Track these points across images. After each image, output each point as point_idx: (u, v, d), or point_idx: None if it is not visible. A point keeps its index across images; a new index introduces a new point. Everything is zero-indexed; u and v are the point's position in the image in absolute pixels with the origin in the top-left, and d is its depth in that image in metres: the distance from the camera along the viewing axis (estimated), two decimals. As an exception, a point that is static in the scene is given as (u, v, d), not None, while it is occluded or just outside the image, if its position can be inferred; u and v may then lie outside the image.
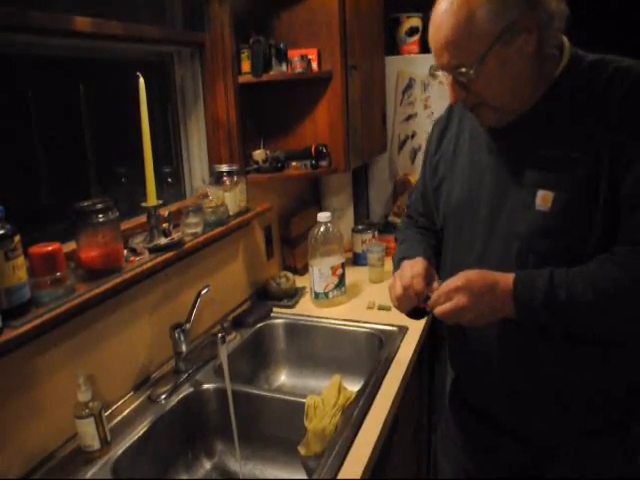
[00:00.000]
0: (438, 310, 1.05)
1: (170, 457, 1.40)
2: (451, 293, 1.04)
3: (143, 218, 1.47)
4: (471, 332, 1.19)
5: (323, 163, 1.99)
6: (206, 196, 1.65)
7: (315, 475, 1.14)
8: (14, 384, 1.12)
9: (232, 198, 1.73)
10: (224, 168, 1.74)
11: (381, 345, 1.67)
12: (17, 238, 1.04)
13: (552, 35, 1.02)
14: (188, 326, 1.49)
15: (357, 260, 2.36)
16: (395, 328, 1.73)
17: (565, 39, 1.07)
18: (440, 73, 1.07)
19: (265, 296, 2.03)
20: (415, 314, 1.21)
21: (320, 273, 1.94)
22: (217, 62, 1.77)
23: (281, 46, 1.89)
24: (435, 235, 1.34)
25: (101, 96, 1.54)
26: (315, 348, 1.84)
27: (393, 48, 2.65)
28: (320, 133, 2.04)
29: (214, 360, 1.57)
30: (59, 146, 1.43)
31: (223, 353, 1.38)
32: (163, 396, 1.41)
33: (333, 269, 1.95)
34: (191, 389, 1.47)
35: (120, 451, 1.23)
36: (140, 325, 1.46)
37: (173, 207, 1.65)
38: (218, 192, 1.68)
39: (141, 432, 1.30)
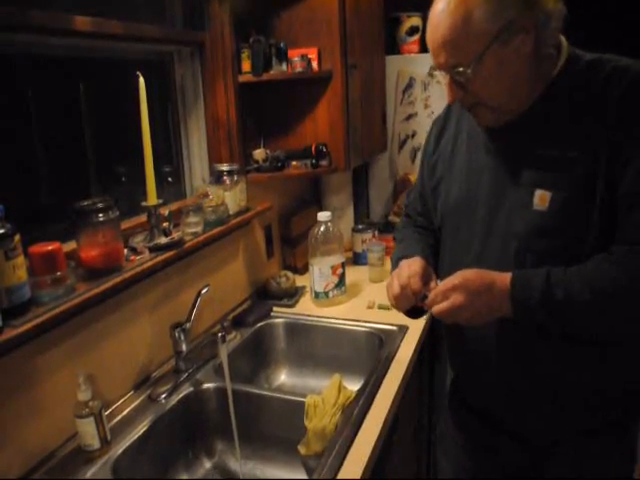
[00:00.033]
0: (435, 309, 1.05)
1: (170, 456, 1.40)
2: (448, 292, 1.04)
3: (143, 217, 1.47)
4: (469, 331, 1.19)
5: (323, 162, 1.99)
6: (206, 195, 1.65)
7: (315, 474, 1.14)
8: (14, 383, 1.12)
9: (232, 197, 1.73)
10: (224, 167, 1.74)
11: (381, 344, 1.67)
12: (17, 237, 1.04)
13: (550, 35, 1.02)
14: (188, 325, 1.49)
15: (357, 259, 2.36)
16: (395, 327, 1.73)
17: (563, 38, 1.07)
18: (438, 73, 1.07)
19: (265, 295, 2.03)
20: (413, 313, 1.21)
21: (320, 272, 1.94)
22: (217, 61, 1.77)
23: (281, 45, 1.89)
24: (433, 234, 1.34)
25: (101, 95, 1.54)
26: (315, 347, 1.84)
27: (393, 47, 2.65)
28: (320, 132, 2.04)
29: (214, 359, 1.57)
30: (59, 145, 1.43)
31: (223, 352, 1.38)
32: (163, 395, 1.41)
33: (333, 268, 1.95)
34: (191, 388, 1.47)
35: (120, 450, 1.23)
36: (140, 324, 1.46)
37: (173, 206, 1.65)
38: (218, 191, 1.68)
39: (141, 431, 1.30)
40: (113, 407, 1.36)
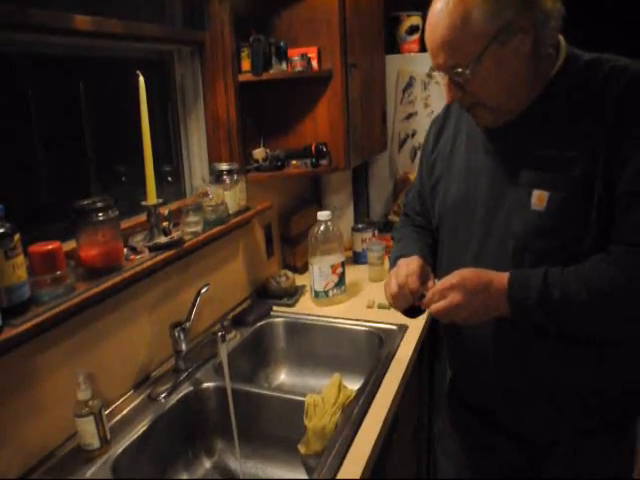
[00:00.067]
0: (432, 308, 1.06)
1: (170, 456, 1.40)
2: (446, 291, 1.04)
3: (143, 217, 1.47)
4: (467, 331, 1.19)
5: (323, 162, 1.99)
6: (206, 195, 1.65)
7: (315, 474, 1.14)
8: (14, 383, 1.12)
9: (232, 197, 1.73)
10: (224, 167, 1.74)
11: (381, 344, 1.67)
12: (17, 237, 1.04)
13: (548, 35, 1.01)
14: (188, 325, 1.49)
15: (357, 259, 2.36)
16: (395, 327, 1.73)
17: (561, 38, 1.07)
18: (437, 73, 1.07)
19: (265, 295, 2.03)
20: (410, 312, 1.21)
21: (320, 272, 1.94)
22: (217, 61, 1.77)
23: (281, 44, 1.89)
24: (431, 234, 1.34)
25: (101, 95, 1.53)
26: (315, 347, 1.84)
27: (393, 47, 2.65)
28: (320, 131, 2.04)
29: (214, 359, 1.57)
30: (59, 145, 1.43)
31: (223, 352, 1.38)
32: (163, 395, 1.41)
33: (333, 268, 1.95)
34: (191, 388, 1.47)
35: (120, 450, 1.23)
36: (140, 324, 1.46)
37: (173, 206, 1.65)
38: (218, 191, 1.68)
39: (141, 431, 1.30)
40: (113, 406, 1.36)
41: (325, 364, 1.81)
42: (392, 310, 1.37)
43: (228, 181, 1.73)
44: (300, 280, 2.13)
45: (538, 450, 1.17)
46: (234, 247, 1.90)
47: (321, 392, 1.39)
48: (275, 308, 1.94)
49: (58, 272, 1.14)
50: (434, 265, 1.28)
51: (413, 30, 2.60)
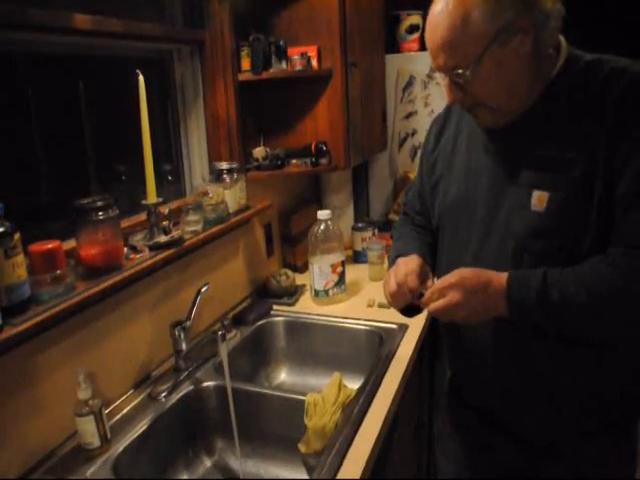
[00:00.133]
0: (431, 307, 1.06)
1: (170, 455, 1.40)
2: (444, 290, 1.04)
3: (143, 216, 1.47)
4: (466, 330, 1.19)
5: (323, 161, 1.99)
6: (206, 194, 1.65)
7: (315, 473, 1.14)
8: (14, 382, 1.12)
9: (232, 196, 1.73)
10: (224, 166, 1.74)
11: (381, 343, 1.67)
12: (17, 236, 1.03)
13: (548, 35, 1.01)
14: (188, 324, 1.49)
15: (357, 258, 2.36)
16: (395, 326, 1.72)
17: (562, 39, 1.07)
18: (437, 74, 1.07)
19: (265, 294, 2.03)
20: (408, 312, 1.21)
21: (320, 271, 1.94)
22: (217, 60, 1.77)
23: (281, 44, 1.89)
24: (431, 233, 1.34)
25: (101, 93, 1.53)
26: (315, 346, 1.84)
27: (393, 46, 2.64)
28: (320, 131, 2.04)
29: (214, 358, 1.57)
30: (59, 143, 1.43)
31: (223, 351, 1.38)
32: (163, 394, 1.41)
33: (333, 267, 1.95)
34: (191, 387, 1.47)
35: (120, 449, 1.23)
36: (140, 323, 1.46)
37: (173, 205, 1.65)
38: (218, 190, 1.68)
39: (141, 430, 1.30)
40: (113, 405, 1.36)
41: (325, 363, 1.81)
42: (392, 309, 1.36)
43: (228, 180, 1.73)
44: (300, 279, 2.13)
45: (537, 451, 1.17)
46: (234, 246, 1.90)
47: (321, 391, 1.39)
48: (275, 307, 1.94)
49: (58, 271, 1.13)
50: (433, 264, 1.28)
51: (413, 29, 2.60)
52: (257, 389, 1.51)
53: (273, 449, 1.46)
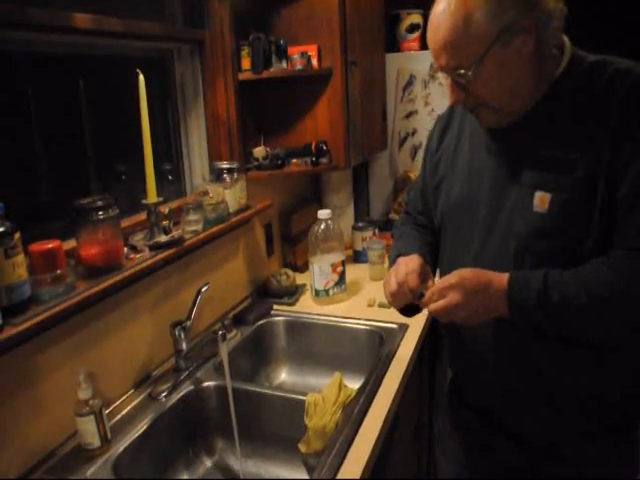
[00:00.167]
0: (431, 307, 1.05)
1: (171, 455, 1.40)
2: (445, 290, 1.04)
3: (143, 215, 1.47)
4: (467, 331, 1.19)
5: (323, 160, 1.99)
6: (206, 193, 1.65)
7: (315, 473, 1.14)
8: (14, 382, 1.11)
9: (232, 195, 1.73)
10: (224, 165, 1.74)
11: (381, 342, 1.66)
12: (17, 235, 1.03)
13: (551, 35, 1.01)
14: (188, 324, 1.49)
15: (357, 257, 2.36)
16: (395, 325, 1.72)
17: (566, 39, 1.06)
18: (440, 74, 1.07)
19: (265, 293, 2.03)
20: (408, 311, 1.21)
21: (320, 270, 1.94)
22: (217, 59, 1.77)
23: (281, 43, 1.88)
24: (432, 233, 1.34)
25: (101, 93, 1.53)
26: (315, 346, 1.84)
27: (393, 45, 2.64)
28: (320, 130, 2.03)
29: (214, 358, 1.57)
30: (59, 143, 1.43)
31: (223, 351, 1.38)
32: (164, 394, 1.41)
33: (333, 266, 1.95)
34: (191, 387, 1.46)
35: (121, 449, 1.23)
36: (140, 323, 1.45)
37: (173, 204, 1.65)
38: (218, 189, 1.68)
39: (141, 430, 1.29)
40: (113, 406, 1.36)
41: (326, 363, 1.81)
42: (393, 309, 1.36)
43: (228, 180, 1.73)
44: (300, 279, 2.13)
45: (537, 451, 1.17)
46: (234, 246, 1.90)
47: (322, 391, 1.39)
48: (275, 307, 1.94)
49: (58, 271, 1.13)
50: (434, 264, 1.28)
51: (413, 28, 2.60)
52: (257, 389, 1.51)
53: (273, 449, 1.46)
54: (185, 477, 1.41)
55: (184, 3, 1.74)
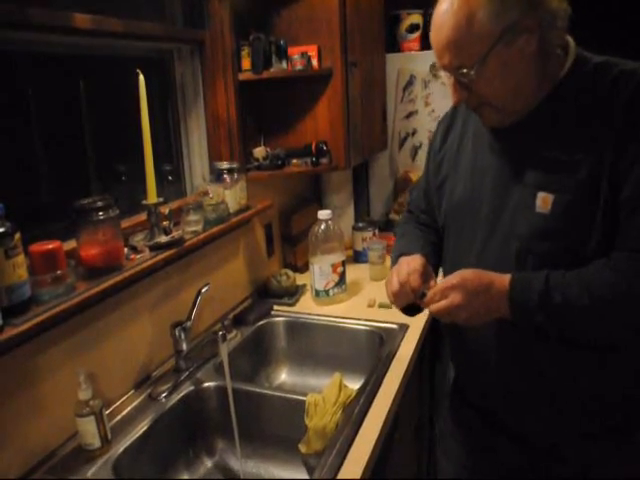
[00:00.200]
0: (433, 307, 1.05)
1: (171, 455, 1.40)
2: (446, 291, 1.04)
3: (143, 216, 1.47)
4: (469, 331, 1.19)
5: (323, 160, 1.99)
6: (206, 194, 1.65)
7: (316, 473, 1.14)
8: (15, 382, 1.11)
9: (232, 196, 1.73)
10: (224, 165, 1.74)
11: (382, 343, 1.66)
12: (17, 236, 1.03)
13: (555, 35, 1.01)
14: (189, 324, 1.49)
15: (358, 258, 2.36)
16: (396, 326, 1.72)
17: (570, 40, 1.06)
18: (442, 73, 1.06)
19: (266, 294, 2.03)
20: (410, 311, 1.21)
21: (321, 271, 1.94)
22: (217, 59, 1.77)
23: (281, 43, 1.88)
24: (435, 232, 1.34)
25: (101, 93, 1.53)
26: (316, 346, 1.84)
27: (394, 45, 2.64)
28: (320, 130, 2.03)
29: (215, 358, 1.57)
30: (59, 143, 1.43)
31: (224, 351, 1.38)
32: (164, 394, 1.41)
33: (334, 267, 1.95)
34: (192, 387, 1.46)
35: (121, 449, 1.23)
36: (141, 323, 1.45)
37: (173, 205, 1.65)
38: (218, 190, 1.68)
39: (142, 430, 1.29)
40: (114, 406, 1.36)
41: (326, 363, 1.80)
42: (393, 309, 1.36)
43: (228, 180, 1.72)
44: (301, 279, 2.13)
45: (539, 452, 1.17)
46: (234, 246, 1.90)
47: (322, 391, 1.39)
48: (276, 307, 1.93)
49: (58, 271, 1.13)
50: (437, 263, 1.28)
51: (413, 28, 2.60)
52: (258, 389, 1.51)
53: (274, 449, 1.46)
54: (185, 477, 1.41)
55: (184, 3, 1.74)
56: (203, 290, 1.54)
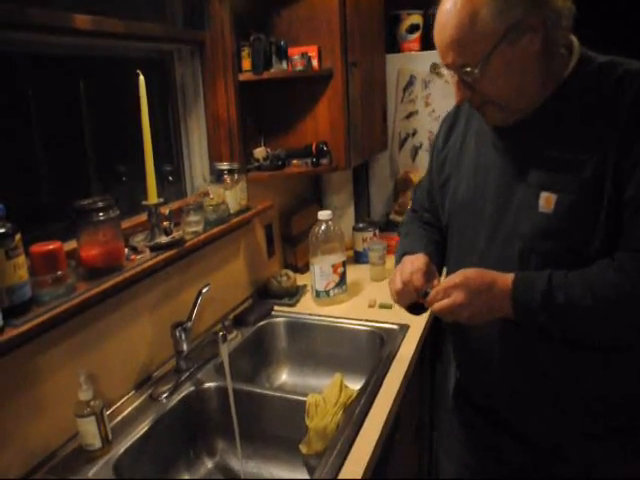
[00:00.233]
0: (435, 306, 1.05)
1: (171, 456, 1.39)
2: (449, 290, 1.04)
3: (144, 216, 1.47)
4: (472, 330, 1.19)
5: (324, 161, 1.99)
6: (207, 194, 1.65)
7: (316, 474, 1.14)
8: (15, 383, 1.11)
9: (233, 196, 1.73)
10: (225, 166, 1.74)
11: (382, 343, 1.66)
12: (18, 237, 1.03)
13: (559, 34, 1.00)
14: (189, 325, 1.49)
15: (358, 258, 2.36)
16: (396, 326, 1.72)
17: (574, 39, 1.06)
18: (446, 72, 1.06)
19: (266, 294, 2.03)
20: (414, 309, 1.21)
21: (321, 271, 1.93)
22: (217, 60, 1.77)
23: (281, 44, 1.89)
24: (439, 231, 1.34)
25: (101, 94, 1.53)
26: (316, 346, 1.84)
27: (394, 45, 2.64)
28: (321, 131, 2.04)
29: (215, 359, 1.57)
30: (59, 144, 1.43)
31: (224, 352, 1.38)
32: (164, 395, 1.41)
33: (334, 267, 1.95)
34: (192, 388, 1.46)
35: (121, 450, 1.23)
36: (141, 324, 1.45)
37: (174, 205, 1.65)
38: (219, 190, 1.68)
39: (142, 431, 1.29)
40: (114, 407, 1.36)
41: (326, 364, 1.80)
42: (394, 310, 1.36)
43: (229, 180, 1.73)
44: (301, 280, 2.13)
45: (542, 452, 1.17)
46: (235, 247, 1.90)
47: (322, 392, 1.39)
48: (276, 308, 1.93)
49: (59, 272, 1.13)
50: (441, 262, 1.28)
51: (413, 29, 2.60)
52: (258, 390, 1.51)
53: (274, 450, 1.46)
54: (186, 478, 1.41)
55: (184, 4, 1.74)
56: (204, 291, 1.54)
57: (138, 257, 1.37)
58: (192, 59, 1.78)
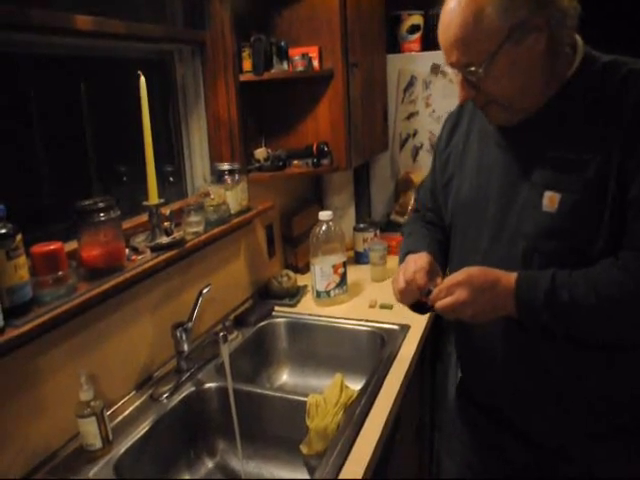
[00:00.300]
0: (438, 304, 1.05)
1: (172, 456, 1.40)
2: (452, 288, 1.04)
3: (145, 217, 1.47)
4: (475, 328, 1.19)
5: (325, 161, 1.99)
6: (208, 195, 1.65)
7: (317, 474, 1.14)
8: (16, 383, 1.12)
9: (234, 197, 1.73)
10: (225, 166, 1.74)
11: (383, 344, 1.66)
12: (19, 237, 1.04)
13: (564, 34, 1.00)
14: (190, 325, 1.49)
15: (359, 259, 2.36)
16: (397, 327, 1.72)
17: (579, 39, 1.06)
18: (450, 71, 1.06)
19: (267, 295, 2.03)
20: (418, 308, 1.21)
21: (322, 272, 1.94)
22: (218, 60, 1.77)
23: (282, 44, 1.89)
24: (442, 230, 1.34)
25: (102, 95, 1.53)
26: (317, 347, 1.84)
27: (394, 46, 2.64)
28: (321, 131, 2.04)
29: (216, 359, 1.57)
30: (60, 145, 1.43)
31: (225, 352, 1.38)
32: (165, 395, 1.41)
33: (335, 268, 1.95)
34: (193, 388, 1.46)
35: (122, 450, 1.23)
36: (142, 324, 1.46)
37: (175, 206, 1.65)
38: (220, 191, 1.68)
39: (143, 431, 1.29)
40: (115, 407, 1.36)
41: (327, 364, 1.80)
42: (394, 310, 1.36)
43: (230, 181, 1.73)
44: (302, 280, 2.13)
45: (545, 451, 1.17)
46: (236, 247, 1.90)
47: (323, 392, 1.39)
48: (277, 308, 1.93)
49: (60, 272, 1.13)
50: (444, 261, 1.27)
51: (414, 29, 2.60)
52: (259, 390, 1.51)
53: (275, 450, 1.46)
54: (187, 478, 1.41)
55: (185, 4, 1.74)
56: (204, 291, 1.54)
57: (139, 257, 1.37)
58: (193, 59, 1.78)
